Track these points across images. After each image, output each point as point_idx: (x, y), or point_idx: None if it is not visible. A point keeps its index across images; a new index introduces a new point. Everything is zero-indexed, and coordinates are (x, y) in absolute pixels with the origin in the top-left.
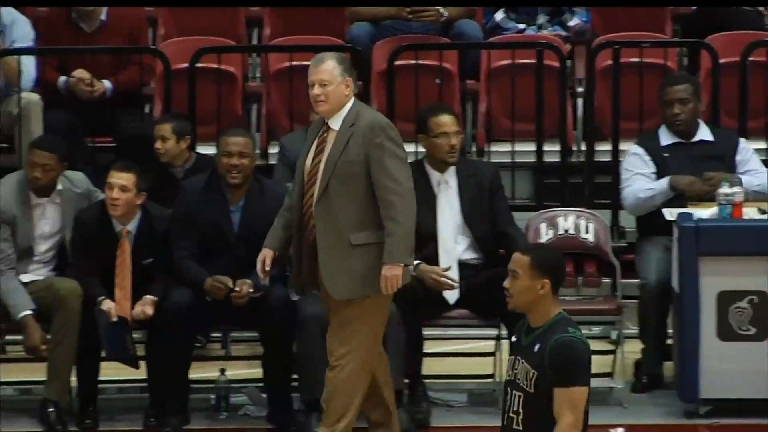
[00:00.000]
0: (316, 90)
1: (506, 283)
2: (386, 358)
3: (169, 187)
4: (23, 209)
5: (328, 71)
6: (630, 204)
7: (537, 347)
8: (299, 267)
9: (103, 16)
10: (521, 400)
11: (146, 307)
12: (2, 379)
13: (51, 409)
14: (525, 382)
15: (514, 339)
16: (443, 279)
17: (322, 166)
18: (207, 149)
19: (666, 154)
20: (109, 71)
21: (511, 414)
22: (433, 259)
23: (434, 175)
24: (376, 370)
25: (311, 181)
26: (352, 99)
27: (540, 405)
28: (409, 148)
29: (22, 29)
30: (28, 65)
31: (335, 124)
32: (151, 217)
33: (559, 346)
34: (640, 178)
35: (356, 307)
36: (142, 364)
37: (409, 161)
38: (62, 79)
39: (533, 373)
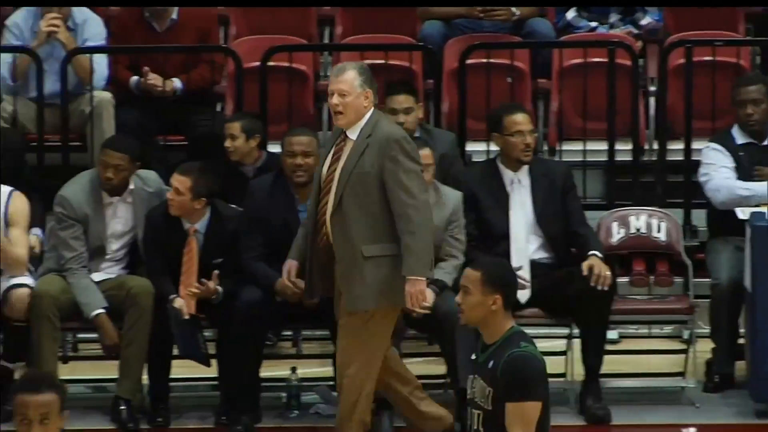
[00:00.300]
0: (335, 100)
1: (458, 299)
2: (396, 354)
3: (239, 185)
4: (95, 208)
5: (348, 81)
6: (723, 197)
7: (491, 364)
8: (310, 271)
9: (174, 15)
10: (480, 418)
11: (210, 283)
12: (75, 377)
13: (123, 407)
14: (482, 400)
15: (473, 357)
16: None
17: (337, 175)
18: (278, 148)
19: (741, 153)
20: (180, 70)
21: None
22: (504, 258)
23: (507, 174)
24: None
25: (326, 189)
26: (372, 110)
27: (499, 422)
28: (479, 146)
29: (94, 28)
30: (100, 64)
31: (353, 134)
32: (220, 216)
33: (511, 361)
34: (725, 171)
35: (366, 319)
36: (213, 362)
37: (480, 160)
38: (134, 79)
39: (489, 390)
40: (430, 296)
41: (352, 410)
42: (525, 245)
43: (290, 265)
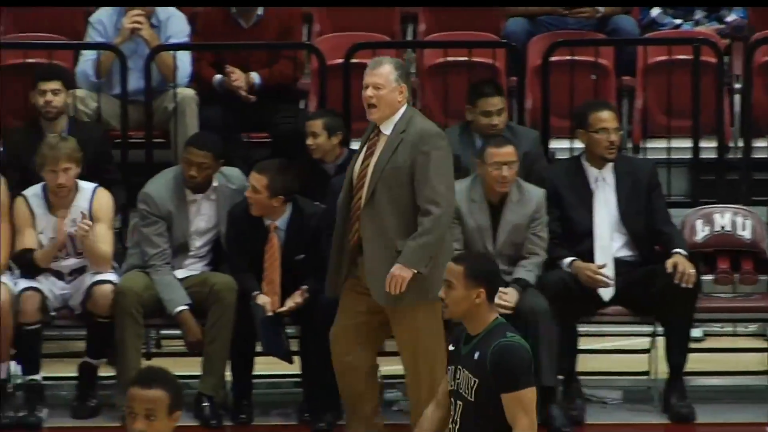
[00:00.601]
0: (369, 92)
1: (441, 293)
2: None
3: (321, 182)
4: (179, 205)
5: (384, 75)
6: None
7: (477, 355)
8: (338, 267)
9: (260, 11)
10: (461, 409)
11: (295, 297)
12: None
13: (206, 404)
14: (467, 391)
15: (451, 348)
16: (598, 276)
17: (370, 170)
18: None
19: None
20: (262, 66)
21: (450, 424)
22: (588, 256)
23: (591, 171)
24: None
25: (359, 185)
26: (405, 106)
27: (478, 413)
28: (563, 144)
29: (177, 25)
30: (184, 61)
31: (387, 129)
32: (302, 212)
33: (500, 351)
34: None
35: (391, 313)
36: (296, 359)
37: (563, 158)
38: (217, 77)
39: (474, 381)
40: (513, 295)
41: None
42: (609, 243)
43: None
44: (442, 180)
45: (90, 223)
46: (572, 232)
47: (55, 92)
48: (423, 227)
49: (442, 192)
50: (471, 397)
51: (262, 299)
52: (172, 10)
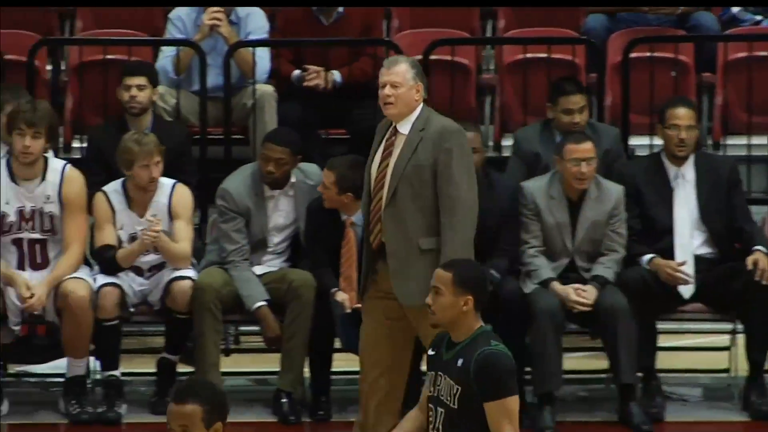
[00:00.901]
0: (387, 91)
1: (428, 300)
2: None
3: None
4: (257, 201)
5: (401, 73)
6: None
7: (460, 362)
8: (367, 271)
9: (341, 9)
10: (443, 416)
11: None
12: (237, 370)
13: (284, 400)
14: (448, 398)
15: (431, 353)
16: (678, 273)
17: (390, 170)
18: None
19: None
20: (343, 63)
21: (432, 431)
22: (668, 253)
23: (671, 168)
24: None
25: (379, 186)
26: (422, 104)
27: (460, 421)
28: (643, 141)
29: (257, 21)
30: (263, 57)
31: (404, 128)
32: None
33: (485, 359)
34: None
35: (414, 314)
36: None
37: (643, 154)
38: (296, 73)
39: (457, 389)
40: (591, 292)
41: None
42: (689, 241)
43: None
44: (464, 177)
45: (159, 226)
46: (652, 229)
47: (140, 87)
48: (450, 229)
49: (465, 189)
50: (453, 405)
51: (341, 296)
52: (251, 8)
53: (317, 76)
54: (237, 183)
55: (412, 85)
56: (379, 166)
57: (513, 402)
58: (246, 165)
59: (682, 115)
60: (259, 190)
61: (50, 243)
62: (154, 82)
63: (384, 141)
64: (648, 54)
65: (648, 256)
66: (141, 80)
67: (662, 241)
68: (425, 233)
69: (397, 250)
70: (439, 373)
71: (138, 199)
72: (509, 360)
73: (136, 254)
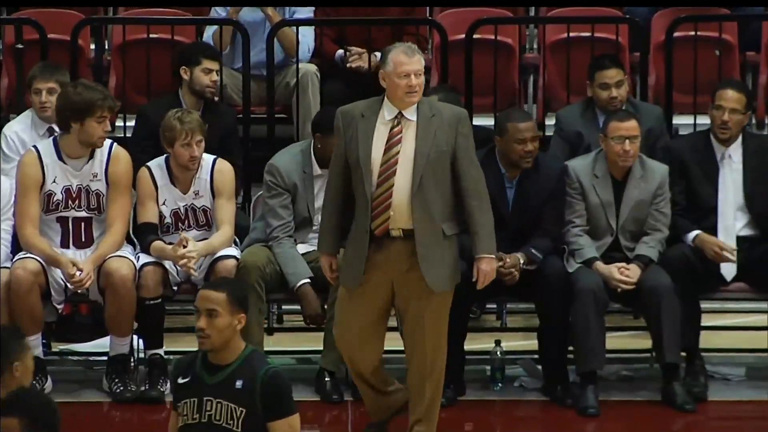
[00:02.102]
0: (415, 80)
1: (201, 324)
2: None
3: None
4: (304, 179)
5: (422, 62)
6: None
7: (240, 383)
8: (353, 258)
9: None
10: None
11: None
12: (280, 348)
13: (327, 379)
14: (229, 422)
15: (181, 381)
16: (725, 252)
17: (406, 157)
18: (484, 121)
19: None
20: (386, 43)
21: None
22: (710, 232)
23: (719, 148)
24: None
25: (388, 173)
26: None
27: None
28: (687, 120)
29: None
30: (307, 36)
31: (411, 114)
32: None
33: (271, 379)
34: None
35: (436, 299)
36: None
37: (686, 133)
38: (339, 53)
39: (241, 411)
40: (635, 271)
41: (440, 397)
42: (732, 222)
43: (330, 260)
44: (477, 161)
45: (193, 252)
46: (696, 206)
47: (218, 72)
48: (481, 212)
49: (481, 172)
50: (237, 428)
51: None
52: None
53: (359, 58)
54: (286, 160)
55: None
56: (385, 154)
57: (297, 420)
58: (296, 143)
59: (728, 97)
60: (308, 168)
61: (95, 221)
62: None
63: (388, 129)
64: (692, 33)
65: (693, 233)
66: (217, 65)
67: (706, 220)
68: (447, 218)
69: (425, 238)
70: (207, 398)
71: (180, 176)
72: (287, 378)
73: (169, 258)
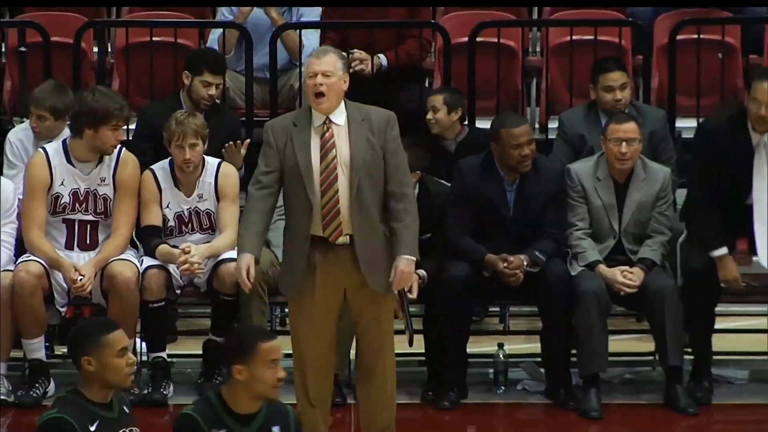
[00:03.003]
0: (319, 80)
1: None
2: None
3: (441, 160)
4: None
5: (331, 63)
6: None
7: (277, 429)
8: (293, 265)
9: None
10: None
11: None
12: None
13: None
14: None
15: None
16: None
17: (344, 162)
18: (486, 124)
19: None
20: (389, 45)
21: None
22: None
23: (754, 135)
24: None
25: (330, 179)
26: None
27: None
28: (690, 123)
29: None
30: (311, 39)
31: (338, 118)
32: (429, 192)
33: (299, 421)
34: None
35: (385, 303)
36: (420, 337)
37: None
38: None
39: None
40: (638, 274)
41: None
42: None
43: (248, 262)
44: (406, 164)
45: (195, 257)
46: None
47: (218, 86)
48: (408, 213)
49: (408, 175)
50: None
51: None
52: None
53: (362, 63)
54: None
55: (341, 75)
56: (322, 161)
57: None
58: None
59: (765, 89)
60: None
61: (101, 225)
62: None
63: (318, 135)
64: (695, 36)
65: (719, 252)
66: (220, 79)
67: (741, 208)
68: (383, 220)
69: (367, 242)
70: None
71: (184, 178)
72: None
73: (174, 262)
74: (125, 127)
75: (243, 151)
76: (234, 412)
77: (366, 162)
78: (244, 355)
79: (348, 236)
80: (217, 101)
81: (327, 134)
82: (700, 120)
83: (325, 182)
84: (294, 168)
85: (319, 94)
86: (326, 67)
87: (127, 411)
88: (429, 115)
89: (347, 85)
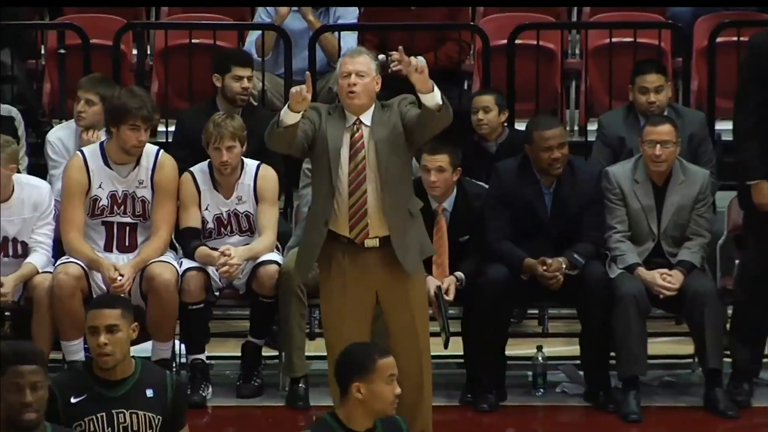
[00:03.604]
0: (353, 79)
1: (104, 340)
2: None
3: (482, 162)
4: None
5: (365, 63)
6: None
7: (151, 392)
8: (310, 248)
9: None
10: None
11: (450, 288)
12: (321, 354)
13: None
14: (149, 431)
15: (76, 400)
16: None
17: (370, 163)
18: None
19: None
20: (429, 47)
21: None
22: None
23: None
24: None
25: (359, 180)
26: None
27: None
28: (729, 125)
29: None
30: (349, 42)
31: (367, 119)
32: (466, 194)
33: (180, 386)
34: None
35: (416, 282)
36: (458, 340)
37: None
38: (381, 57)
39: (158, 419)
40: (677, 277)
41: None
42: None
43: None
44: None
45: (233, 258)
46: None
47: (249, 79)
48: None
49: None
50: None
51: (431, 281)
52: None
53: (400, 64)
54: None
55: (375, 76)
56: (351, 162)
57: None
58: None
59: None
60: None
61: (140, 227)
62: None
63: (349, 134)
64: (734, 38)
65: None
66: (250, 72)
67: None
68: (409, 196)
69: (397, 223)
70: (118, 411)
71: (222, 181)
72: None
73: (213, 264)
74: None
75: None
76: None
77: (391, 143)
78: (363, 373)
79: (376, 239)
80: (253, 102)
81: (357, 134)
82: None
83: (353, 182)
84: (323, 149)
85: (352, 94)
86: (360, 67)
87: (151, 395)
88: (480, 115)
89: (379, 86)
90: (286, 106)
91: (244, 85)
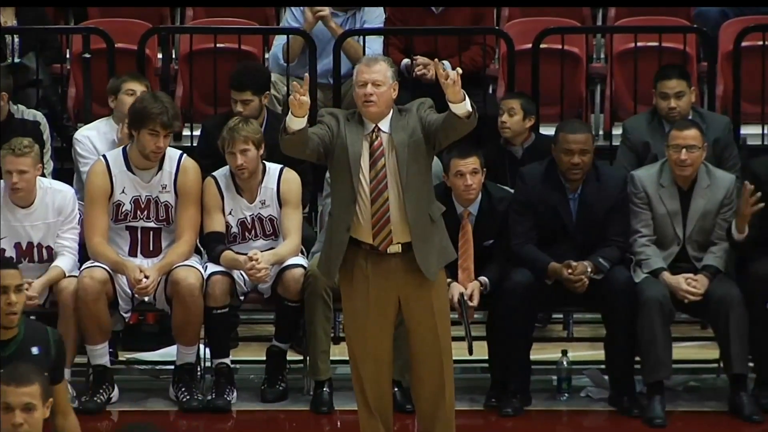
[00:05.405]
0: (369, 89)
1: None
2: None
3: (508, 166)
4: None
5: (382, 72)
6: None
7: (36, 350)
8: (334, 253)
9: None
10: None
11: (474, 293)
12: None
13: (395, 389)
14: None
15: None
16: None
17: (390, 171)
18: (551, 130)
19: None
20: (453, 52)
21: None
22: None
23: None
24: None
25: (380, 188)
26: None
27: None
28: (755, 130)
29: (374, 10)
30: (373, 46)
31: (386, 126)
32: (491, 198)
33: (60, 340)
34: None
35: (438, 288)
36: (483, 344)
37: (755, 143)
38: (405, 61)
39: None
40: (702, 282)
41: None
42: None
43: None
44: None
45: (263, 267)
46: None
47: (245, 102)
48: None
49: None
50: None
51: (455, 287)
52: None
53: (425, 68)
54: None
55: (391, 84)
56: (371, 171)
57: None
58: None
59: None
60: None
61: (164, 232)
62: (261, 90)
63: (368, 142)
64: (760, 42)
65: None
66: (247, 95)
67: None
68: (430, 200)
69: (419, 230)
70: None
71: (245, 185)
72: None
73: (239, 268)
74: (182, 129)
75: None
76: None
77: (410, 150)
78: None
79: (399, 245)
80: (278, 107)
81: (376, 142)
82: None
83: (375, 190)
84: (343, 156)
85: (369, 103)
86: (376, 76)
87: (36, 352)
88: (504, 118)
89: (396, 93)
90: (290, 112)
91: (238, 109)
